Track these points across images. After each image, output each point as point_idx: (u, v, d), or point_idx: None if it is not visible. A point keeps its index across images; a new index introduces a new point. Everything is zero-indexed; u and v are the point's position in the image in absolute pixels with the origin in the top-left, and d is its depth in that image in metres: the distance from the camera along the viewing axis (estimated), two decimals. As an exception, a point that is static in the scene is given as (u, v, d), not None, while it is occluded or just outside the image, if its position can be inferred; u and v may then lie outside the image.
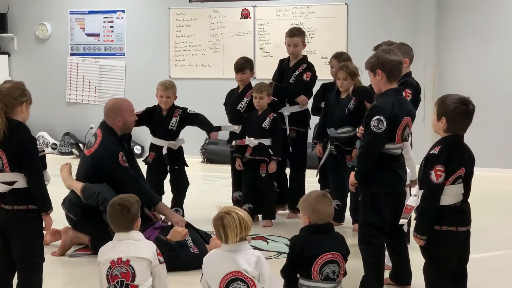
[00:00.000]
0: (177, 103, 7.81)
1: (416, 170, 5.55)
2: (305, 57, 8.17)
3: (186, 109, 7.79)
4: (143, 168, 7.74)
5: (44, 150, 4.93)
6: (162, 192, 7.75)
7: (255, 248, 5.09)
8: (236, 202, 7.97)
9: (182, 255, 6.11)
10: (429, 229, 4.60)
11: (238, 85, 8.06)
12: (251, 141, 7.68)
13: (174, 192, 7.86)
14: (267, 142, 7.67)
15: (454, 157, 4.55)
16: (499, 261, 6.57)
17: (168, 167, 7.70)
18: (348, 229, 7.41)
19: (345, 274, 4.74)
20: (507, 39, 11.16)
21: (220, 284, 4.32)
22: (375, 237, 5.22)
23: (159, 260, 4.58)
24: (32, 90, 4.92)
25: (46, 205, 4.75)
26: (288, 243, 5.50)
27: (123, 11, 13.13)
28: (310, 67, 8.06)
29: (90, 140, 6.86)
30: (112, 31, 13.23)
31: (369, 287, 5.24)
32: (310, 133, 8.34)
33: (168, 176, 7.87)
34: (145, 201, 6.29)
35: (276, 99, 7.89)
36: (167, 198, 7.73)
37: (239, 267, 4.29)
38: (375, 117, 5.08)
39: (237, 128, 7.92)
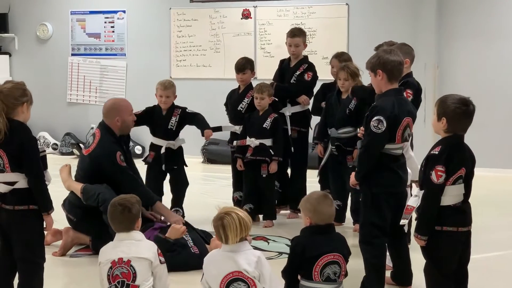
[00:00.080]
0: (177, 103, 7.81)
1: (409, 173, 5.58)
2: (306, 57, 8.18)
3: (185, 108, 7.79)
4: (144, 167, 7.76)
5: (45, 150, 4.93)
6: (161, 192, 7.75)
7: (255, 248, 5.09)
8: (237, 202, 7.97)
9: (182, 256, 6.11)
10: (429, 229, 4.60)
11: (239, 86, 8.06)
12: (252, 142, 7.68)
13: (173, 192, 7.86)
14: (268, 142, 7.67)
15: (455, 158, 4.55)
16: (499, 261, 6.57)
17: (164, 166, 7.68)
18: (349, 230, 7.41)
19: (346, 274, 4.73)
20: (507, 39, 11.16)
21: (220, 284, 4.32)
22: (376, 237, 5.22)
23: (160, 260, 4.58)
24: (33, 90, 4.93)
25: (47, 205, 4.75)
26: (289, 243, 5.52)
27: (124, 11, 13.13)
28: (311, 67, 8.06)
29: (88, 140, 6.86)
30: (113, 31, 13.24)
31: (370, 287, 5.24)
32: (310, 133, 8.34)
33: (168, 176, 7.87)
34: (143, 201, 6.26)
35: (276, 99, 7.88)
36: (166, 198, 7.74)
37: (239, 267, 4.29)
38: (375, 117, 5.08)
39: (238, 129, 7.92)
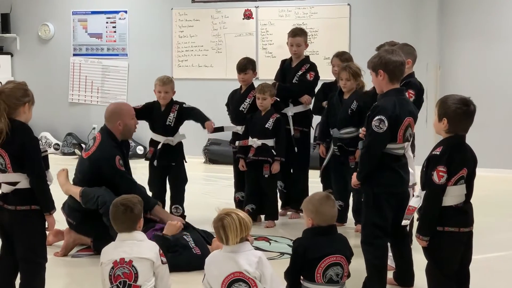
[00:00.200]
0: (179, 103, 7.83)
1: (416, 172, 5.58)
2: (307, 57, 8.18)
3: (183, 103, 7.78)
4: (144, 165, 7.76)
5: (46, 151, 4.94)
6: (164, 188, 7.75)
7: (257, 248, 5.09)
8: (239, 202, 7.97)
9: (184, 256, 6.12)
10: (431, 230, 4.60)
11: (241, 86, 8.06)
12: (254, 142, 7.68)
13: (172, 188, 7.86)
14: (270, 142, 7.67)
15: (456, 158, 4.55)
16: (501, 261, 6.57)
17: (156, 162, 7.68)
18: (350, 230, 7.41)
19: (348, 276, 4.74)
20: (509, 40, 11.15)
21: (222, 284, 4.32)
22: (377, 238, 5.22)
23: (161, 261, 4.59)
24: (34, 91, 4.93)
25: (49, 206, 4.76)
26: (291, 243, 5.52)
27: (125, 12, 13.13)
28: (313, 67, 8.07)
29: (88, 143, 6.86)
30: (115, 32, 13.24)
31: (372, 288, 5.25)
32: (311, 133, 8.35)
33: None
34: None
35: (278, 100, 7.88)
36: (168, 196, 7.77)
37: (240, 267, 4.29)
38: (377, 117, 5.08)
39: (240, 129, 7.92)
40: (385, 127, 5.06)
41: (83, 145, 12.73)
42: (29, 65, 13.67)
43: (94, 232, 6.56)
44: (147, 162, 7.87)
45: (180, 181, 7.84)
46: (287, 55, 8.21)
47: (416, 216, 4.83)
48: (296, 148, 8.00)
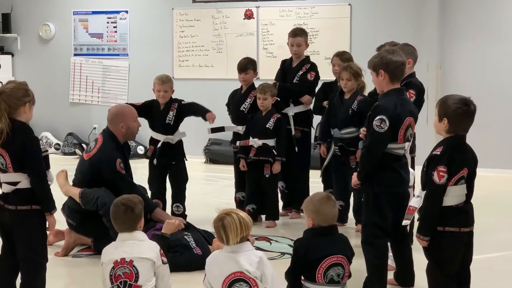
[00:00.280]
0: (179, 103, 7.83)
1: (417, 172, 5.58)
2: (307, 57, 8.19)
3: (182, 101, 7.78)
4: (145, 165, 7.76)
5: (47, 150, 4.94)
6: (164, 187, 7.75)
7: (258, 248, 5.08)
8: (239, 202, 7.97)
9: (185, 256, 6.12)
10: (432, 230, 4.59)
11: (241, 86, 8.06)
12: (255, 142, 7.68)
13: (173, 187, 7.86)
14: (271, 142, 7.66)
15: (457, 158, 4.55)
16: (502, 262, 6.57)
17: (155, 161, 7.67)
18: (351, 230, 7.41)
19: (349, 276, 4.73)
20: (510, 40, 11.15)
21: (222, 284, 4.32)
22: (378, 237, 5.22)
23: (162, 261, 4.58)
24: (35, 91, 4.93)
25: (49, 205, 4.75)
26: (292, 243, 5.51)
27: (126, 12, 13.14)
28: (314, 67, 8.07)
29: (90, 145, 6.85)
30: (116, 32, 13.24)
31: (372, 288, 5.25)
32: (312, 133, 8.36)
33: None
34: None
35: (279, 99, 7.88)
36: (167, 193, 7.76)
37: (241, 267, 4.29)
38: (378, 117, 5.07)
39: (240, 129, 7.91)
40: (386, 127, 5.05)
41: (83, 145, 12.75)
42: (30, 65, 13.68)
43: (94, 232, 6.56)
44: (148, 162, 7.87)
45: (180, 179, 7.84)
46: (288, 55, 8.22)
47: (416, 216, 4.83)
48: (296, 148, 8.00)
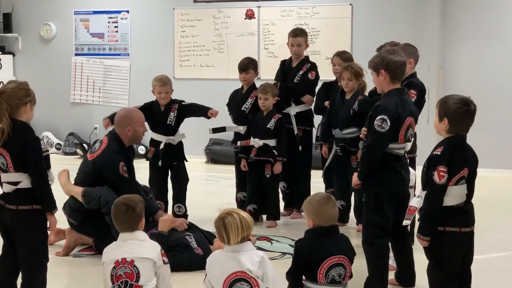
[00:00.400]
0: (180, 104, 7.84)
1: (418, 172, 5.59)
2: (307, 57, 8.21)
3: (182, 101, 7.78)
4: (146, 165, 7.76)
5: (48, 150, 4.93)
6: (166, 188, 7.75)
7: (259, 248, 5.08)
8: (240, 202, 7.97)
9: (186, 256, 6.12)
10: (432, 230, 4.59)
11: (242, 86, 8.06)
12: (256, 142, 7.68)
13: (174, 188, 7.87)
14: (272, 142, 7.67)
15: (457, 158, 4.55)
16: (502, 262, 6.57)
17: (160, 162, 7.67)
18: (352, 230, 7.41)
19: (351, 276, 4.73)
20: (511, 40, 11.14)
21: (223, 284, 4.32)
22: (379, 237, 5.22)
23: (163, 261, 4.58)
24: (36, 90, 4.93)
25: (50, 205, 4.75)
26: (293, 243, 5.51)
27: (127, 12, 13.14)
28: (314, 67, 8.08)
29: (95, 145, 6.84)
30: (117, 31, 13.25)
31: None
32: (313, 132, 8.36)
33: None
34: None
35: (279, 99, 7.88)
36: (170, 196, 7.77)
37: (242, 267, 4.29)
38: (379, 117, 5.07)
39: (242, 129, 7.92)
40: (387, 127, 5.05)
41: (84, 145, 12.78)
42: (31, 65, 13.69)
43: (95, 231, 6.56)
44: (148, 162, 7.88)
45: (182, 180, 7.85)
46: (289, 55, 8.22)
47: (417, 216, 4.83)
48: (300, 147, 8.01)
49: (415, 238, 4.92)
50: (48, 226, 4.83)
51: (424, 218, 4.66)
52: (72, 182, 6.78)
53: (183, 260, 6.03)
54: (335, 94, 7.58)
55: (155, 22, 12.98)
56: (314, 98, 8.09)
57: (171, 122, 7.68)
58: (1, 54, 13.67)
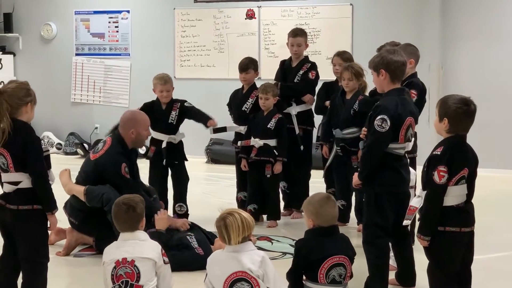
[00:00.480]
0: (181, 103, 7.84)
1: (413, 174, 5.60)
2: (306, 57, 8.21)
3: (184, 101, 7.78)
4: (146, 165, 7.76)
5: (48, 150, 4.94)
6: (166, 188, 7.75)
7: (259, 248, 5.08)
8: (241, 202, 7.97)
9: (186, 255, 6.12)
10: (432, 230, 4.60)
11: (243, 86, 8.06)
12: (256, 142, 7.68)
13: (175, 187, 7.87)
14: (272, 142, 7.67)
15: (457, 158, 4.55)
16: (503, 262, 6.57)
17: (165, 161, 7.68)
18: (353, 230, 7.41)
19: (351, 276, 4.73)
20: (511, 40, 11.15)
21: (224, 284, 4.32)
22: (379, 237, 5.22)
23: (164, 261, 4.58)
24: (37, 90, 4.93)
25: (51, 205, 4.75)
26: (293, 243, 5.51)
27: (128, 11, 13.15)
28: (314, 66, 8.09)
29: (98, 145, 6.84)
30: (117, 31, 13.25)
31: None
32: (314, 132, 8.36)
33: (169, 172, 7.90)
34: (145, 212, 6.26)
35: (280, 99, 7.88)
36: (170, 195, 7.76)
37: (243, 266, 4.29)
38: (379, 117, 5.07)
39: (242, 129, 7.92)
40: (388, 127, 5.05)
41: (85, 145, 12.78)
42: (31, 65, 13.69)
43: (96, 231, 6.56)
44: (148, 161, 7.88)
45: (183, 179, 7.86)
46: (290, 55, 8.21)
47: (417, 216, 4.83)
48: (302, 147, 8.01)
49: (416, 238, 4.92)
50: (48, 226, 4.83)
51: (424, 218, 4.66)
52: (74, 181, 6.78)
53: (184, 260, 6.04)
54: (335, 94, 7.58)
55: (156, 22, 12.99)
56: (315, 98, 8.10)
57: (172, 121, 7.68)
58: (1, 54, 13.69)
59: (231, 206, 5.88)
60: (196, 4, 12.67)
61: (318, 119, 8.15)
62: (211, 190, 9.91)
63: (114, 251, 4.57)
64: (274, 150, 7.65)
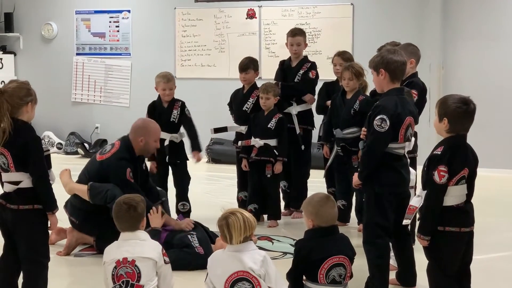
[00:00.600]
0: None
1: (412, 174, 5.60)
2: (306, 56, 8.21)
3: (184, 104, 7.79)
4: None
5: (49, 150, 4.94)
6: (166, 188, 7.75)
7: (260, 248, 5.08)
8: (242, 202, 7.98)
9: (186, 254, 6.13)
10: (432, 229, 4.60)
11: (243, 85, 8.06)
12: (256, 142, 7.68)
13: (177, 186, 7.88)
14: (273, 142, 7.67)
15: (458, 158, 4.55)
16: (503, 261, 6.57)
17: (167, 158, 7.67)
18: (353, 229, 7.41)
19: (351, 276, 4.73)
20: (512, 40, 11.18)
21: (225, 284, 4.32)
22: (379, 237, 5.22)
23: (164, 260, 4.59)
24: (37, 90, 4.93)
25: (51, 205, 4.76)
26: (293, 243, 5.51)
27: (128, 11, 13.15)
28: (314, 66, 8.10)
29: (105, 147, 6.83)
30: (118, 31, 13.25)
31: (374, 287, 5.25)
32: (314, 132, 8.36)
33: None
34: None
35: (280, 99, 7.87)
36: (170, 193, 7.75)
37: (245, 266, 4.30)
38: (378, 116, 5.07)
39: (243, 129, 7.93)
40: (387, 127, 5.05)
41: (85, 145, 12.78)
42: (32, 65, 13.70)
43: (97, 230, 6.56)
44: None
45: (184, 178, 7.86)
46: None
47: (418, 215, 4.84)
48: (302, 146, 8.01)
49: (416, 238, 4.92)
50: (49, 225, 4.83)
51: (424, 217, 4.66)
52: (75, 180, 6.77)
53: (183, 258, 6.05)
54: (336, 94, 7.58)
55: (157, 21, 12.99)
56: (316, 97, 8.11)
57: (174, 119, 7.69)
58: (2, 53, 13.68)
59: (232, 206, 5.88)
60: (196, 3, 12.67)
61: (318, 119, 8.15)
62: (212, 189, 9.91)
63: (114, 251, 4.57)
64: (275, 150, 7.66)
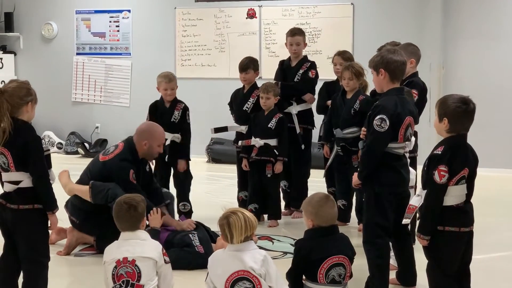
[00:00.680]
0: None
1: (412, 173, 5.60)
2: (305, 56, 8.21)
3: (187, 108, 7.76)
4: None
5: (49, 149, 4.94)
6: (167, 187, 7.75)
7: (260, 248, 5.08)
8: (242, 202, 7.98)
9: (186, 254, 6.13)
10: (432, 229, 4.60)
11: (244, 85, 8.06)
12: (257, 142, 7.68)
13: (179, 186, 7.86)
14: (273, 142, 7.67)
15: (458, 158, 4.55)
16: (502, 261, 6.57)
17: (167, 158, 7.66)
18: (353, 229, 7.41)
19: (351, 276, 4.73)
20: (513, 40, 11.18)
21: (225, 283, 4.32)
22: (379, 237, 5.22)
23: (164, 260, 4.59)
24: (37, 90, 4.93)
25: (51, 205, 4.75)
26: (294, 242, 5.51)
27: (129, 11, 13.15)
28: (313, 65, 8.11)
29: (109, 148, 6.82)
30: (118, 31, 13.25)
31: (374, 287, 5.25)
32: (314, 132, 8.36)
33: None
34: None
35: (280, 98, 7.87)
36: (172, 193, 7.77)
37: (245, 265, 4.30)
38: (378, 116, 5.07)
39: (244, 129, 7.93)
40: (387, 126, 5.05)
41: (86, 144, 12.78)
42: (32, 64, 13.70)
43: (97, 230, 6.56)
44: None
45: (186, 178, 7.84)
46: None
47: (418, 215, 4.84)
48: (303, 146, 8.01)
49: (416, 238, 4.92)
50: (49, 225, 4.83)
51: (424, 217, 4.66)
52: (75, 181, 6.77)
53: (184, 258, 6.06)
54: (336, 93, 7.58)
55: (157, 21, 12.99)
56: (316, 97, 8.11)
57: (175, 120, 7.67)
58: (2, 53, 13.69)
59: (232, 205, 5.88)
60: (197, 3, 12.67)
61: (318, 118, 8.15)
62: (212, 189, 9.91)
63: (115, 251, 4.57)
64: (275, 150, 7.66)
